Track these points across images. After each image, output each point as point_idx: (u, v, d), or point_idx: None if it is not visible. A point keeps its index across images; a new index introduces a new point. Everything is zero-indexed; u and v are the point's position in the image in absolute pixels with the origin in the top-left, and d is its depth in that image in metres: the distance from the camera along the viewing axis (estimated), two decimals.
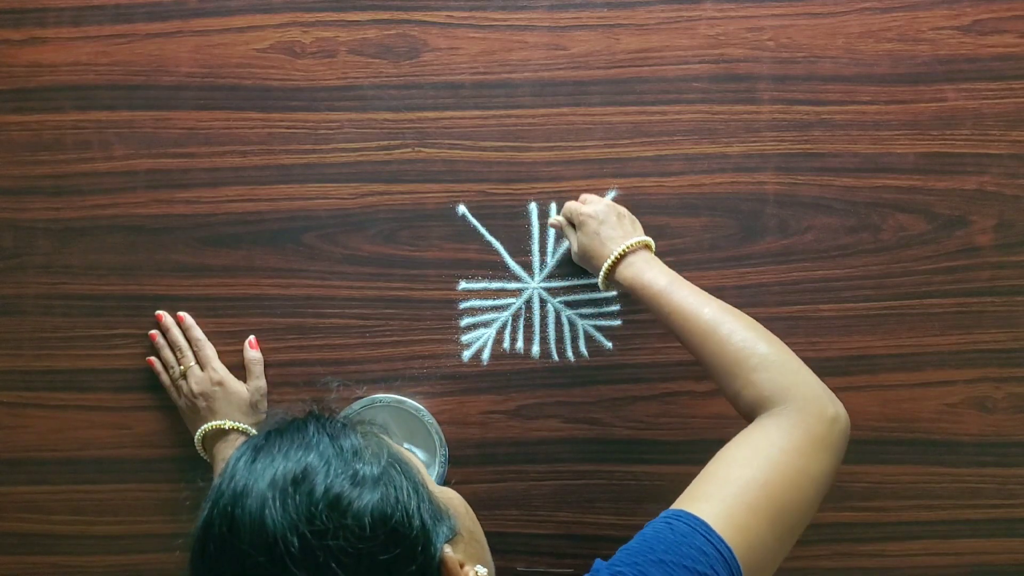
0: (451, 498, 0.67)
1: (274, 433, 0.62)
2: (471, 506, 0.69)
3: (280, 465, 0.59)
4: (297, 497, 0.57)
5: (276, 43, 0.96)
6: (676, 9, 0.95)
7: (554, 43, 0.96)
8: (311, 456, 0.59)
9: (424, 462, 0.94)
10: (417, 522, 0.59)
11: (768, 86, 0.95)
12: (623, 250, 0.86)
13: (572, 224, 0.92)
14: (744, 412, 0.74)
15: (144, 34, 0.96)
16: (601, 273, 0.87)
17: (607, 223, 0.88)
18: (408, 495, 0.60)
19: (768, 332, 0.77)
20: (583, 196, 0.93)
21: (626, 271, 0.85)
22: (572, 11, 0.96)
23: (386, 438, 0.65)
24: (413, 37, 0.96)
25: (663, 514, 0.65)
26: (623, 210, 0.91)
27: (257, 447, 0.61)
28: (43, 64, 0.97)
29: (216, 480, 0.61)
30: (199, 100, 0.97)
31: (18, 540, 0.98)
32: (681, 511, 0.64)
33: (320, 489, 0.57)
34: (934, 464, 0.96)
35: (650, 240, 0.88)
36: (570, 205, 0.92)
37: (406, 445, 0.95)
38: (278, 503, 0.57)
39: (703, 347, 0.77)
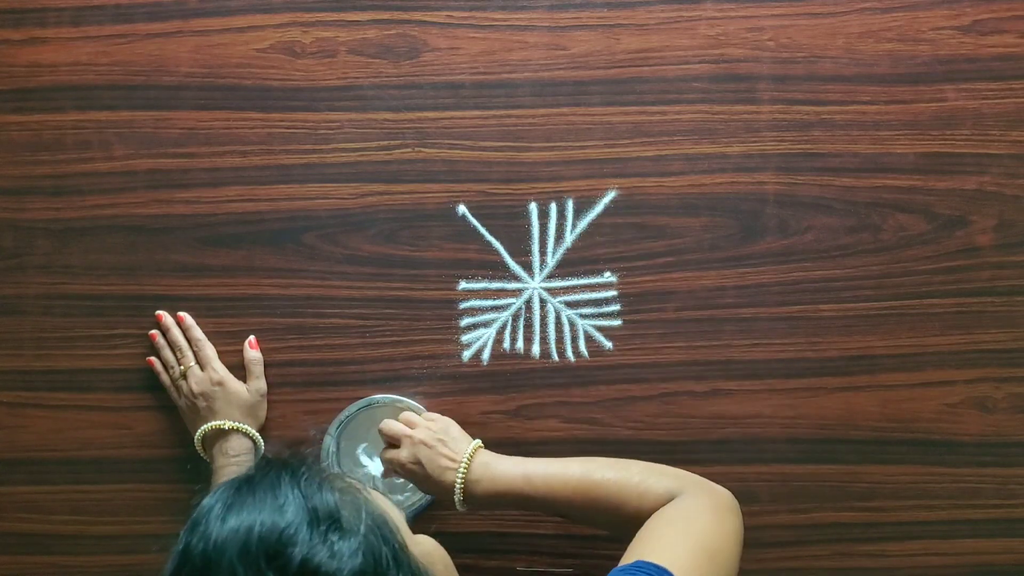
0: (431, 554, 0.66)
1: (246, 486, 0.59)
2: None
3: (253, 526, 0.56)
4: (270, 573, 0.54)
5: (276, 43, 0.96)
6: (676, 9, 0.95)
7: (554, 43, 0.96)
8: (285, 519, 0.56)
9: None
10: None
11: (768, 86, 0.95)
12: (462, 473, 0.83)
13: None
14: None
15: (144, 34, 0.96)
16: (458, 504, 0.84)
17: (430, 459, 0.84)
18: (387, 565, 0.57)
19: (626, 460, 0.82)
20: (388, 429, 0.88)
21: (479, 489, 0.83)
22: (572, 11, 0.96)
23: (364, 494, 0.62)
24: (413, 37, 0.96)
25: (620, 568, 0.67)
26: (434, 428, 0.87)
27: (228, 501, 0.58)
28: (43, 64, 0.97)
29: (183, 534, 0.58)
30: (199, 100, 0.96)
31: (18, 540, 0.98)
32: (640, 561, 0.67)
33: (295, 564, 0.54)
34: (934, 464, 0.96)
35: (475, 443, 0.86)
36: (386, 457, 0.88)
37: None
38: None
39: (588, 503, 0.80)
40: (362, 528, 0.58)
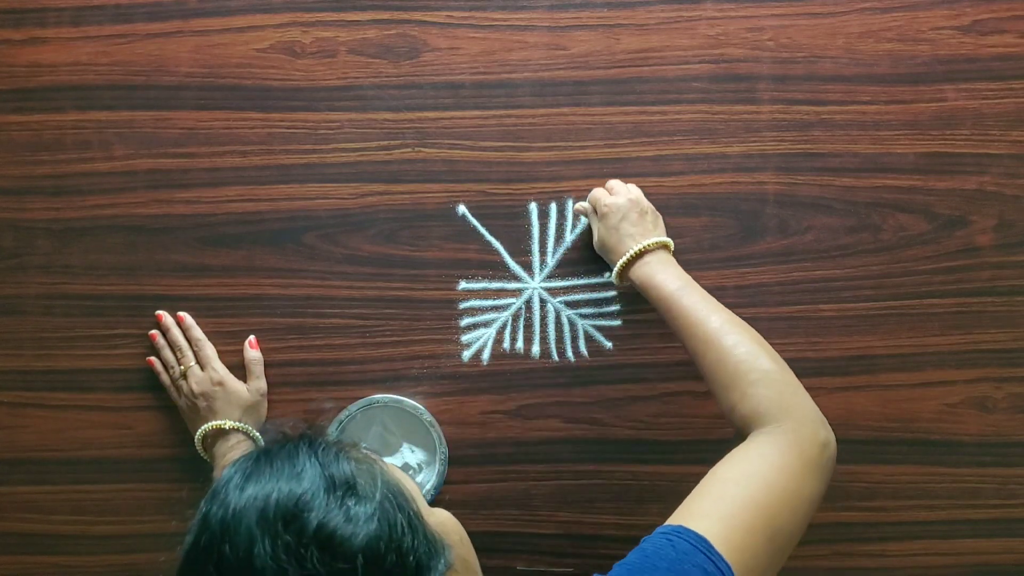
0: (444, 524, 0.67)
1: (264, 456, 0.60)
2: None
3: (271, 493, 0.57)
4: (287, 536, 0.55)
5: (276, 43, 0.96)
6: (676, 9, 0.95)
7: (554, 43, 0.96)
8: (302, 486, 0.57)
9: (424, 461, 0.95)
10: (411, 560, 0.58)
11: (768, 86, 0.95)
12: (638, 249, 0.86)
13: (596, 211, 0.91)
14: (738, 425, 0.74)
15: (144, 34, 0.96)
16: (615, 269, 0.88)
17: (628, 219, 0.88)
18: (403, 531, 0.58)
19: (772, 350, 0.77)
20: (610, 183, 0.93)
21: (639, 270, 0.86)
22: (572, 11, 0.96)
23: (380, 464, 0.63)
24: (413, 37, 0.96)
25: (661, 529, 0.64)
26: (647, 205, 0.90)
27: (247, 471, 0.59)
28: (43, 64, 0.97)
29: (203, 504, 0.59)
30: (199, 100, 0.97)
31: (18, 540, 0.98)
32: (681, 527, 0.63)
33: (311, 528, 0.55)
34: (934, 464, 0.96)
35: (669, 241, 0.88)
36: (596, 192, 0.92)
37: (405, 446, 0.95)
38: (267, 543, 0.55)
39: (705, 355, 0.77)
40: (377, 495, 0.59)
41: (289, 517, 0.56)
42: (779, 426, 0.71)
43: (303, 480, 0.58)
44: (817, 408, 0.74)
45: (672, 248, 0.89)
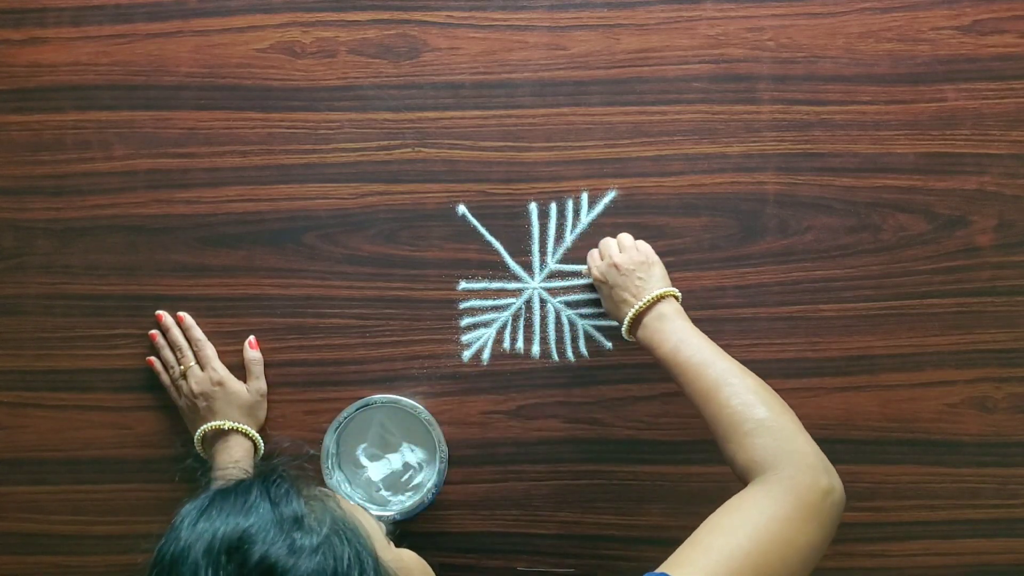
0: (403, 561, 0.67)
1: (219, 495, 0.62)
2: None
3: (220, 528, 0.59)
4: (230, 567, 0.57)
5: (276, 43, 0.96)
6: (676, 9, 0.95)
7: (554, 43, 0.96)
8: (250, 521, 0.59)
9: (424, 460, 0.94)
10: None
11: (768, 86, 0.95)
12: (633, 314, 0.87)
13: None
14: (739, 475, 0.74)
15: (144, 34, 0.96)
16: (624, 333, 0.89)
17: (616, 285, 0.89)
18: (349, 565, 0.59)
19: (772, 395, 0.77)
20: (602, 243, 0.93)
21: (640, 333, 0.87)
22: (572, 11, 0.96)
23: (334, 501, 0.64)
24: (413, 37, 0.96)
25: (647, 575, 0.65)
26: (636, 260, 0.89)
27: (202, 508, 0.61)
28: (43, 64, 0.97)
29: (160, 540, 0.61)
30: (199, 100, 0.97)
31: (18, 540, 0.98)
32: (664, 574, 0.64)
33: (253, 559, 0.57)
34: (934, 464, 0.96)
35: (669, 291, 0.87)
36: (589, 260, 0.93)
37: (405, 445, 0.95)
38: (210, 573, 0.56)
39: (705, 410, 0.78)
40: (325, 529, 0.60)
41: (232, 549, 0.57)
42: (776, 474, 0.70)
43: (251, 516, 0.59)
44: (821, 453, 0.73)
45: (676, 295, 0.88)
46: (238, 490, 0.62)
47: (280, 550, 0.57)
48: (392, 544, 0.67)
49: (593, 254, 0.93)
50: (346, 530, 0.61)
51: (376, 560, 0.61)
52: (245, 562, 0.57)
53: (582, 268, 0.96)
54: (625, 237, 0.93)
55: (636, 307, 0.87)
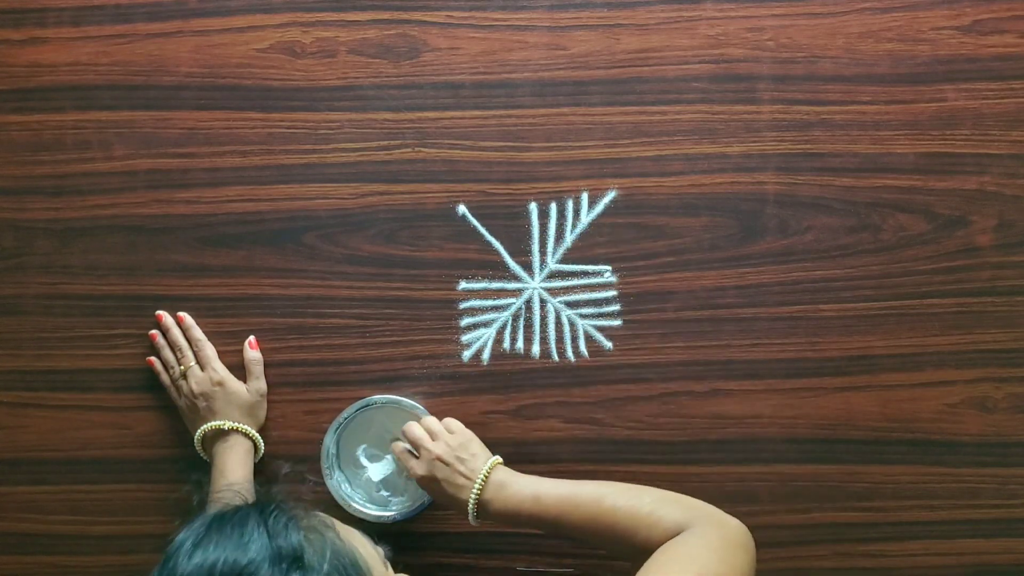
0: None
1: (216, 523, 0.61)
2: None
3: (217, 563, 0.58)
4: None
5: (276, 43, 0.96)
6: (676, 9, 0.95)
7: (554, 43, 0.96)
8: (247, 556, 0.58)
9: None
10: None
11: (768, 86, 0.95)
12: (476, 493, 0.83)
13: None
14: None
15: (144, 34, 0.96)
16: (471, 519, 0.85)
17: (446, 477, 0.85)
18: None
19: (647, 488, 0.80)
20: (412, 438, 0.89)
21: (494, 508, 0.83)
22: (572, 11, 0.96)
23: (333, 533, 0.63)
24: (413, 37, 0.96)
25: None
26: (454, 444, 0.87)
27: (197, 539, 0.60)
28: (43, 64, 0.97)
29: (155, 571, 0.60)
30: (199, 100, 0.97)
31: (18, 540, 0.98)
32: None
33: None
34: (934, 464, 0.96)
35: (494, 460, 0.86)
36: (408, 464, 0.89)
37: (405, 447, 0.95)
38: None
39: (599, 528, 0.78)
40: (325, 567, 0.59)
41: None
42: (692, 526, 0.74)
43: (249, 550, 0.59)
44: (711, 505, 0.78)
45: (499, 461, 0.86)
46: (235, 520, 0.61)
47: None
48: (390, 569, 0.67)
49: (406, 457, 0.89)
50: (346, 566, 0.60)
51: None
52: None
53: (582, 267, 0.96)
54: (431, 422, 0.90)
55: (477, 485, 0.83)
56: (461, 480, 0.85)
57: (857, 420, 0.96)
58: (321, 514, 0.65)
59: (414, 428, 0.89)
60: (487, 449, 0.88)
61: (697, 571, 0.69)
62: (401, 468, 0.92)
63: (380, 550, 0.67)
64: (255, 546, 0.59)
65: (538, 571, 0.97)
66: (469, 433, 0.89)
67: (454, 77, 0.96)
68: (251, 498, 0.74)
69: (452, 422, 0.90)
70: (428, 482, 0.87)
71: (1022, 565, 0.96)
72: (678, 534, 0.74)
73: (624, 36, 0.95)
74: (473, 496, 0.83)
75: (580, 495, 0.80)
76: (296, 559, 0.59)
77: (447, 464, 0.86)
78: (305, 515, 0.63)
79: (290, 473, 0.93)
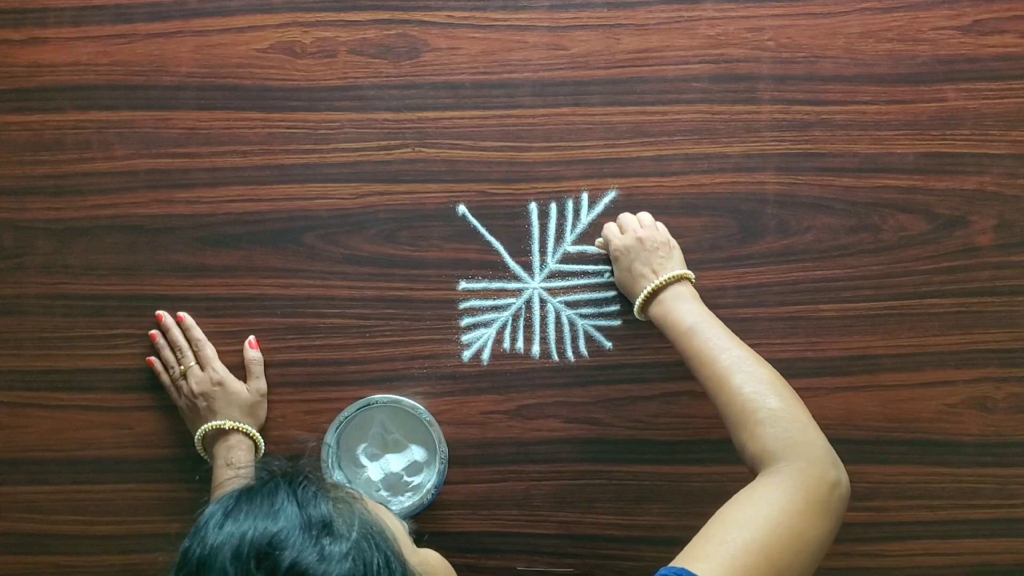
0: (430, 563, 0.66)
1: (245, 495, 0.61)
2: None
3: (247, 532, 0.58)
4: (259, 574, 0.56)
5: (276, 43, 0.96)
6: (676, 9, 0.95)
7: (554, 43, 0.96)
8: (278, 525, 0.58)
9: (424, 460, 0.95)
10: None
11: (768, 86, 0.95)
12: (651, 289, 0.87)
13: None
14: (748, 464, 0.74)
15: (144, 34, 0.96)
16: (635, 309, 0.89)
17: (639, 258, 0.89)
18: (378, 570, 0.58)
19: (785, 386, 0.77)
20: (620, 218, 0.93)
21: (654, 310, 0.87)
22: (572, 11, 0.96)
23: (361, 504, 0.63)
24: (413, 37, 0.96)
25: (663, 571, 0.65)
26: (659, 239, 0.90)
27: (227, 509, 0.60)
28: (43, 64, 0.97)
29: (185, 540, 0.60)
30: (199, 100, 0.97)
31: (18, 540, 0.98)
32: (682, 569, 0.64)
33: (284, 566, 0.56)
34: (934, 464, 0.96)
35: (687, 273, 0.88)
36: (607, 232, 0.93)
37: (413, 446, 0.95)
38: None
39: (717, 396, 0.78)
40: (354, 534, 0.59)
41: (262, 555, 0.57)
42: (787, 465, 0.71)
43: (279, 519, 0.59)
44: (829, 446, 0.74)
45: (691, 278, 0.89)
46: (264, 491, 0.61)
47: (310, 556, 0.57)
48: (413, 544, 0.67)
49: (611, 227, 0.93)
50: (374, 534, 0.61)
51: (404, 565, 0.61)
52: (275, 569, 0.56)
53: (587, 267, 0.96)
54: (646, 216, 0.93)
55: (655, 282, 0.87)
56: (646, 271, 0.88)
57: (857, 420, 0.96)
58: (348, 487, 0.66)
59: (627, 215, 0.93)
60: (685, 263, 0.91)
61: (765, 543, 0.65)
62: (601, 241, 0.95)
63: (405, 524, 0.68)
64: (285, 515, 0.59)
65: (538, 571, 0.97)
66: (675, 243, 0.92)
67: (454, 77, 0.96)
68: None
69: (663, 226, 0.93)
70: (619, 255, 0.91)
71: (1022, 565, 0.96)
72: (769, 464, 0.71)
73: (624, 36, 0.95)
74: (646, 293, 0.87)
75: (721, 358, 0.78)
76: (326, 526, 0.59)
77: (646, 249, 0.89)
78: (333, 487, 0.64)
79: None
